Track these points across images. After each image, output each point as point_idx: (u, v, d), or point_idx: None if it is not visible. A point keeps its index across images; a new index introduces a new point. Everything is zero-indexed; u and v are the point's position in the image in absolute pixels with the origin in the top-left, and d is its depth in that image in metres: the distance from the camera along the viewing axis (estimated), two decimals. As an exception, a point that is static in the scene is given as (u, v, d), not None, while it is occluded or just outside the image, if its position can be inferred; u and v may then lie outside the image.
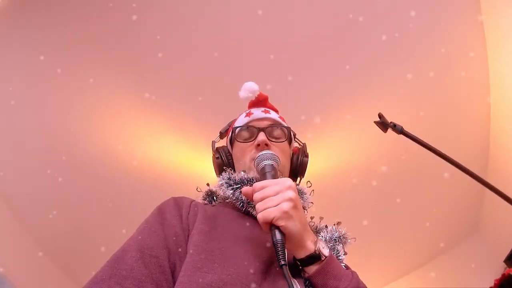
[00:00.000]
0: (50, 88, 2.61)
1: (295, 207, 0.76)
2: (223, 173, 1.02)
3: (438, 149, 1.01)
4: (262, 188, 0.79)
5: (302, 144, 1.18)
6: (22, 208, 3.01)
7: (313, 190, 1.04)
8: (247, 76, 2.42)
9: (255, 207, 0.88)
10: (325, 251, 0.78)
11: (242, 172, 1.00)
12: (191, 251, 0.77)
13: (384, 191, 2.95)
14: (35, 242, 3.12)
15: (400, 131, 1.00)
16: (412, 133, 1.05)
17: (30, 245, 3.10)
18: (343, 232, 0.97)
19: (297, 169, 1.11)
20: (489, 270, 2.95)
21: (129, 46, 2.49)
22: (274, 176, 0.86)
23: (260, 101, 1.16)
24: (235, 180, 0.98)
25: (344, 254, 0.93)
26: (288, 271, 0.69)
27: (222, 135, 1.23)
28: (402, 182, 2.90)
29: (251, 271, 0.75)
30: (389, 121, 1.05)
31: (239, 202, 0.94)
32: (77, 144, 2.81)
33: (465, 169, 0.97)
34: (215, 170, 1.14)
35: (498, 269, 2.90)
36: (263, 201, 0.76)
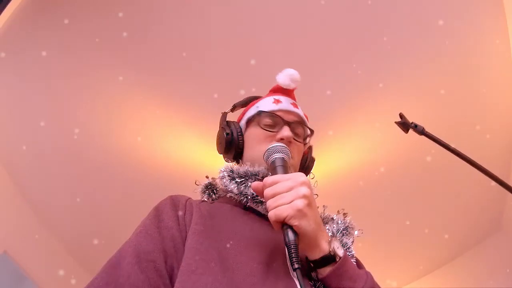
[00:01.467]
0: (72, 86, 2.67)
1: (309, 204, 0.70)
2: (225, 165, 0.97)
3: (459, 150, 1.01)
4: (274, 183, 0.73)
5: (309, 147, 1.12)
6: (39, 201, 3.11)
7: (316, 181, 1.00)
8: (263, 74, 2.45)
9: (262, 203, 0.86)
10: (340, 252, 0.73)
11: (247, 165, 0.93)
12: (186, 253, 0.74)
13: (405, 190, 2.95)
14: (55, 237, 3.24)
15: (421, 132, 1.00)
16: (433, 133, 1.05)
17: (50, 240, 3.22)
18: (348, 222, 0.91)
19: (303, 171, 1.05)
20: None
21: (150, 45, 2.52)
22: (285, 170, 0.80)
23: (289, 91, 1.08)
24: (239, 173, 0.92)
25: (351, 243, 0.88)
26: (301, 276, 0.64)
27: (235, 108, 1.14)
28: (424, 181, 2.88)
29: (250, 270, 0.72)
30: (411, 122, 1.05)
31: (242, 197, 0.89)
32: (97, 141, 2.88)
33: (486, 171, 0.96)
34: (219, 146, 1.06)
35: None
36: (274, 198, 0.71)
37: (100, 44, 2.48)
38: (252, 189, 0.80)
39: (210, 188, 0.98)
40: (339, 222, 0.90)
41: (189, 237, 0.77)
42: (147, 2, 2.36)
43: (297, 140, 0.99)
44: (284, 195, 0.70)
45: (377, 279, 0.79)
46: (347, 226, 0.90)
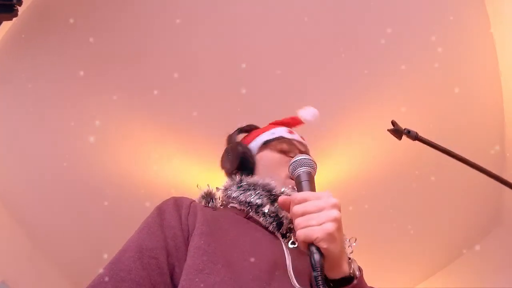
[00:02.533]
0: (61, 110, 2.65)
1: (339, 228, 0.70)
2: (233, 176, 0.97)
3: (454, 151, 1.02)
4: (303, 201, 0.72)
5: None
6: (35, 228, 3.07)
7: None
8: (257, 89, 2.45)
9: (265, 215, 0.87)
10: (357, 273, 0.74)
11: (256, 177, 0.95)
12: (192, 253, 0.74)
13: (404, 191, 2.96)
14: (39, 249, 3.17)
15: (415, 137, 1.01)
16: (426, 136, 1.06)
17: (32, 251, 3.15)
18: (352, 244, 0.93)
19: None
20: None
21: (141, 67, 2.52)
22: (312, 186, 0.80)
23: (296, 125, 1.16)
24: (248, 181, 0.93)
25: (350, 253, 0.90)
26: None
27: (241, 132, 1.17)
28: (420, 184, 2.89)
29: (255, 274, 0.73)
30: (403, 128, 1.06)
31: (246, 206, 0.90)
32: (89, 165, 2.85)
33: (483, 170, 0.98)
34: (228, 161, 1.06)
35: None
36: (304, 217, 0.70)
37: (89, 68, 2.46)
38: (279, 204, 0.79)
39: (209, 195, 0.97)
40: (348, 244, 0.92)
41: (194, 237, 0.78)
42: (142, 26, 2.38)
43: None
44: (315, 216, 0.69)
45: (381, 283, 0.79)
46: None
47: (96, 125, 2.69)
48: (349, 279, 0.72)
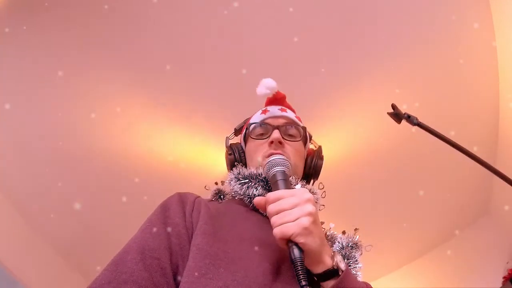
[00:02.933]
0: (57, 87, 2.61)
1: (314, 222, 0.70)
2: (234, 169, 1.00)
3: (453, 140, 1.02)
4: (277, 199, 0.73)
5: (317, 146, 1.15)
6: (30, 208, 3.07)
7: (325, 191, 1.02)
8: (255, 69, 2.44)
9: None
10: (342, 265, 0.73)
11: (252, 168, 0.98)
12: (194, 254, 0.73)
13: (396, 177, 3.00)
14: (46, 241, 3.21)
15: (415, 122, 1.01)
16: (421, 120, 1.05)
17: (40, 244, 3.18)
18: (357, 239, 0.94)
19: (310, 171, 1.07)
20: (500, 250, 2.99)
21: (136, 45, 2.48)
22: (287, 184, 0.81)
23: (277, 99, 1.13)
24: (244, 175, 0.96)
25: (359, 256, 0.92)
26: None
27: (236, 132, 1.20)
28: (414, 168, 2.93)
29: (259, 276, 0.72)
30: (403, 112, 1.05)
31: (246, 198, 0.92)
32: (86, 143, 2.83)
33: (479, 160, 0.98)
34: (227, 167, 1.11)
35: (509, 250, 2.94)
36: (279, 215, 0.70)
37: (85, 46, 2.44)
38: (255, 204, 0.79)
39: (219, 193, 1.01)
40: (350, 236, 0.95)
41: (197, 236, 0.77)
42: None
43: (291, 140, 1.03)
44: (289, 212, 0.70)
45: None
46: (356, 242, 0.94)
47: (89, 99, 2.68)
48: (333, 272, 0.72)
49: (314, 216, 0.71)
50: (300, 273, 0.65)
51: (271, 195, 0.74)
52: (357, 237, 0.95)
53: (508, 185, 1.05)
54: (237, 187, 0.94)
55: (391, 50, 2.50)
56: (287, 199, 0.72)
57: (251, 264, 0.74)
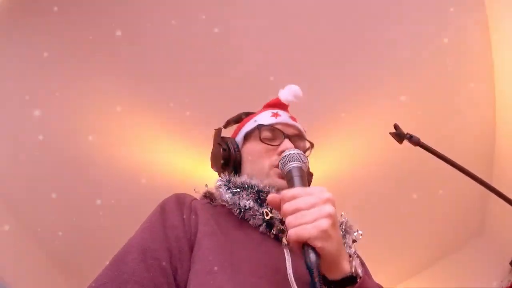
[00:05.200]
0: (51, 93, 2.58)
1: (333, 224, 0.64)
2: (222, 175, 0.93)
3: (452, 159, 1.04)
4: (294, 198, 0.66)
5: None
6: (22, 213, 3.04)
7: None
8: (254, 77, 2.44)
9: (256, 217, 0.84)
10: (359, 271, 0.68)
11: (245, 176, 0.91)
12: (200, 257, 0.73)
13: (390, 194, 2.99)
14: (37, 245, 3.17)
15: (416, 142, 1.02)
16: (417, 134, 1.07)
17: (31, 248, 3.14)
18: (346, 220, 0.89)
19: None
20: (495, 271, 2.99)
21: (130, 50, 2.46)
22: (303, 182, 0.74)
23: (283, 104, 1.07)
24: (235, 183, 0.89)
25: (353, 242, 0.87)
26: None
27: (229, 124, 1.11)
28: (408, 185, 2.93)
29: (256, 279, 0.71)
30: (406, 132, 1.07)
31: (236, 209, 0.85)
32: (80, 150, 2.81)
33: (477, 178, 1.00)
34: (214, 163, 1.03)
35: (504, 270, 2.94)
36: (295, 215, 0.64)
37: (80, 52, 2.42)
38: (268, 202, 0.73)
39: (209, 196, 0.95)
40: (340, 221, 0.89)
41: (200, 240, 0.76)
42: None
43: None
44: (307, 212, 0.64)
45: None
46: (350, 226, 0.89)
47: (85, 105, 2.66)
48: (351, 278, 0.67)
49: (333, 218, 0.65)
50: (316, 280, 0.59)
51: (287, 192, 0.68)
52: (346, 219, 0.90)
53: (503, 205, 1.07)
54: (227, 196, 0.87)
55: (391, 68, 2.52)
56: (304, 198, 0.66)
57: (248, 269, 0.73)
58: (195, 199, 0.89)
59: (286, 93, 1.06)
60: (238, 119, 1.11)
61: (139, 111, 2.70)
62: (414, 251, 3.42)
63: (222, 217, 0.85)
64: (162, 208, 0.82)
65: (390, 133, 1.09)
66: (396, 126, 1.09)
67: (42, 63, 2.42)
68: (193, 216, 0.81)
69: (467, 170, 1.00)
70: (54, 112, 2.65)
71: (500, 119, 2.66)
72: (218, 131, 1.07)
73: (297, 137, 1.01)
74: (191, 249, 0.77)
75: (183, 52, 2.46)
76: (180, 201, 0.84)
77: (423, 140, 1.04)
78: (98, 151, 2.83)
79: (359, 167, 2.95)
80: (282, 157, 0.80)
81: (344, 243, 0.82)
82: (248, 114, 1.10)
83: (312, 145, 1.04)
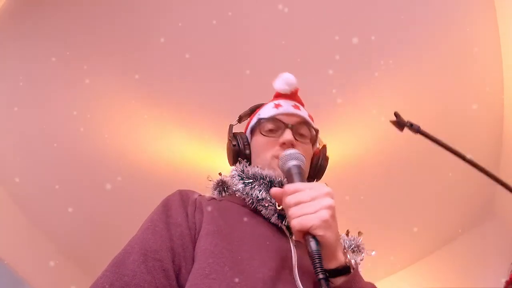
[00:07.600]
0: (57, 89, 2.64)
1: (333, 215, 0.70)
2: (237, 164, 0.96)
3: (454, 147, 1.03)
4: (296, 191, 0.72)
5: (322, 145, 1.11)
6: (32, 207, 3.12)
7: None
8: (257, 68, 2.45)
9: (267, 208, 0.86)
10: (353, 262, 0.74)
11: (257, 167, 0.94)
12: (199, 256, 0.73)
13: (400, 176, 3.00)
14: (50, 241, 3.24)
15: (417, 130, 1.01)
16: (421, 125, 1.06)
17: (44, 244, 3.21)
18: (360, 241, 0.94)
19: (315, 172, 1.04)
20: (505, 253, 2.98)
21: (136, 44, 2.49)
22: (302, 178, 0.79)
23: (291, 94, 1.08)
24: (248, 174, 0.92)
25: (360, 261, 0.91)
26: (326, 286, 0.63)
27: (241, 119, 1.15)
28: (417, 168, 2.94)
29: (262, 276, 0.72)
30: (406, 120, 1.06)
31: (249, 199, 0.89)
32: (87, 144, 2.86)
33: (483, 169, 0.98)
34: (228, 157, 1.07)
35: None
36: (298, 206, 0.69)
37: (83, 46, 2.45)
38: (271, 195, 0.79)
39: (222, 185, 0.99)
40: (352, 239, 0.93)
41: (201, 238, 0.76)
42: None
43: (302, 141, 1.00)
44: (309, 204, 0.69)
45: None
46: (359, 245, 0.93)
47: (90, 99, 2.69)
48: (344, 269, 0.72)
49: (333, 210, 0.70)
50: (318, 266, 0.64)
51: (289, 186, 0.74)
52: (360, 240, 0.94)
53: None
54: (240, 186, 0.91)
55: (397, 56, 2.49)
56: (306, 192, 0.71)
57: (254, 266, 0.73)
58: (200, 195, 0.90)
59: (279, 83, 1.07)
60: (250, 113, 1.14)
61: (149, 105, 2.73)
62: (423, 234, 3.40)
63: (228, 212, 0.86)
64: (165, 206, 0.82)
65: (390, 121, 1.08)
66: (396, 114, 1.07)
67: (46, 61, 2.47)
68: (197, 213, 0.82)
69: (468, 157, 0.99)
70: (59, 107, 2.69)
71: (509, 107, 2.62)
72: (230, 127, 1.11)
73: (301, 125, 1.02)
74: (194, 247, 0.77)
75: (192, 48, 2.48)
76: (183, 197, 0.85)
77: (427, 129, 1.04)
78: (106, 144, 2.88)
79: (365, 154, 2.96)
80: (281, 158, 0.85)
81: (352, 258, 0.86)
82: (258, 107, 1.13)
83: (316, 130, 1.06)
